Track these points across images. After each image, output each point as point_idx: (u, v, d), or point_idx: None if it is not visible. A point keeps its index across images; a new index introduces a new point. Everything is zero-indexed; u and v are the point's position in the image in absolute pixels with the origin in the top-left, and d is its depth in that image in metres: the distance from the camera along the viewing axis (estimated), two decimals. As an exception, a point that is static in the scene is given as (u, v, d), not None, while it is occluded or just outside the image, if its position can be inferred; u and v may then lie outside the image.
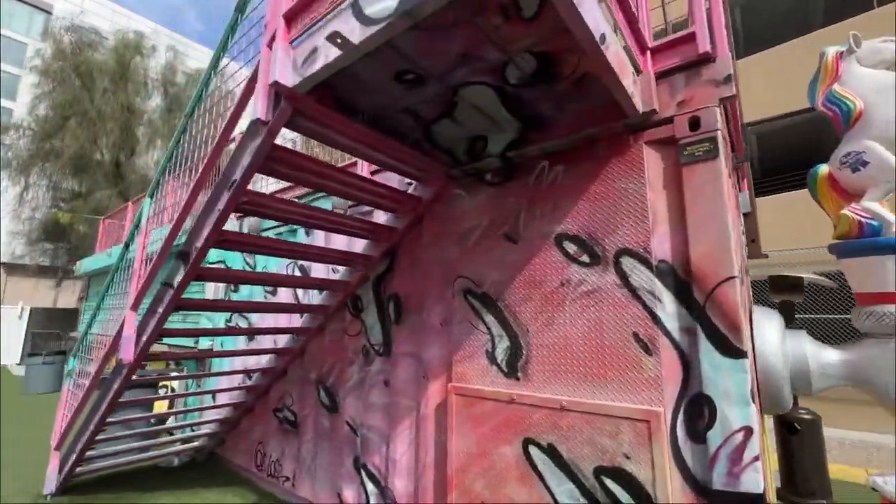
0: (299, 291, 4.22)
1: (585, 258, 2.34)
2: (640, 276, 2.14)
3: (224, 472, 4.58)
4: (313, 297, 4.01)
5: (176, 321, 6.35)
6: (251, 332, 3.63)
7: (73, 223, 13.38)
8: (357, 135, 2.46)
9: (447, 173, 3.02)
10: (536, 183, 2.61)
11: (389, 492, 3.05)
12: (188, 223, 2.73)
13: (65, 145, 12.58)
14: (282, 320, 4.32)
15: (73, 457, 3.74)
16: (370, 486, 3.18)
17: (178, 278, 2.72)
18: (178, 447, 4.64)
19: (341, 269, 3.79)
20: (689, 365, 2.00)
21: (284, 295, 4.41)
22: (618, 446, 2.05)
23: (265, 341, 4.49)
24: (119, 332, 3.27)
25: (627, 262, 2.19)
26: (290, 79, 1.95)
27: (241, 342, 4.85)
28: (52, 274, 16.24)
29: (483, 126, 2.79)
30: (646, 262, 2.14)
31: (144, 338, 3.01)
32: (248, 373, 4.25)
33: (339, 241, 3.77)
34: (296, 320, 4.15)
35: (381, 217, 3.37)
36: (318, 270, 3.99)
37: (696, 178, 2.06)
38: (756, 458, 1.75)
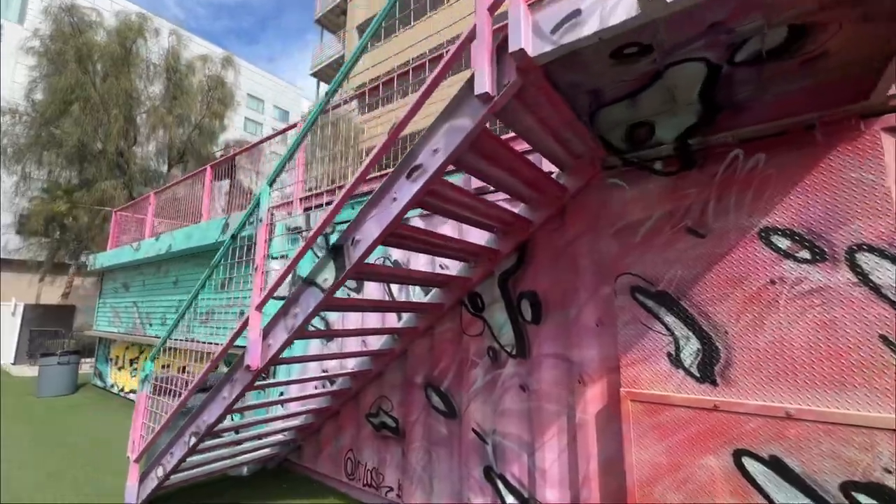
0: (394, 288, 3.95)
1: (804, 254, 2.15)
2: (886, 274, 1.97)
3: (305, 481, 4.30)
4: (413, 295, 3.75)
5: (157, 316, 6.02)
6: (371, 333, 3.36)
7: (73, 215, 12.63)
8: (554, 117, 2.22)
9: (601, 161, 2.80)
10: (727, 172, 2.41)
11: (536, 502, 2.84)
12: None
13: (65, 133, 11.80)
14: (370, 320, 4.05)
15: (160, 469, 3.42)
16: (510, 498, 2.97)
17: (329, 275, 2.44)
18: (254, 455, 4.34)
19: (450, 263, 3.54)
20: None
21: (374, 291, 4.13)
22: (874, 460, 1.88)
23: (349, 343, 4.21)
24: (235, 335, 2.97)
25: (867, 259, 2.01)
26: (535, 47, 1.70)
27: (312, 346, 4.55)
28: (51, 269, 15.39)
29: (656, 110, 2.57)
30: (893, 259, 1.96)
31: (272, 341, 2.71)
32: (331, 377, 3.97)
33: (449, 232, 3.52)
34: (390, 320, 3.89)
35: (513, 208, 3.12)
36: (419, 264, 3.72)
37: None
38: None
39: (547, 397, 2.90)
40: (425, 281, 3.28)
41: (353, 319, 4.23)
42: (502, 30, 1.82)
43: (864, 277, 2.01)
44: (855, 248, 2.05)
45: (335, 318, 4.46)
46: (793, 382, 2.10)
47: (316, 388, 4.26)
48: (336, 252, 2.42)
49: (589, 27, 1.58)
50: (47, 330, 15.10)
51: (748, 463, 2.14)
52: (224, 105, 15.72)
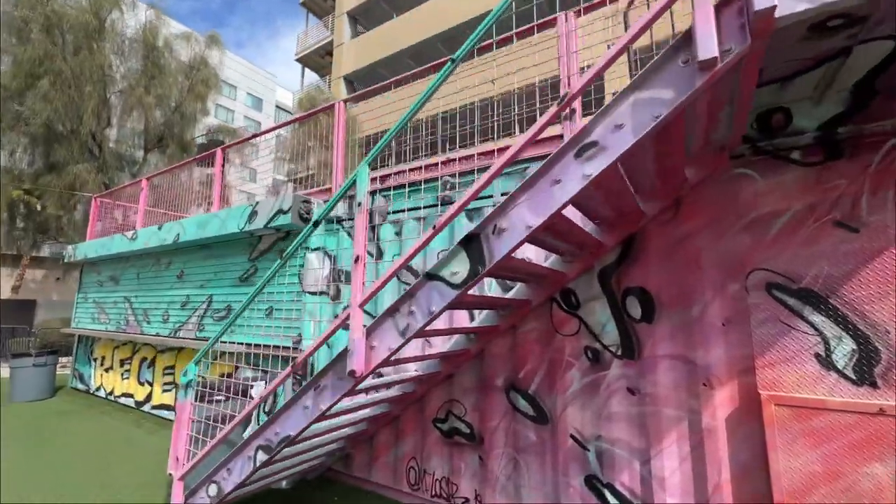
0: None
1: (982, 250, 2.05)
2: None
3: (357, 493, 3.96)
4: (490, 290, 3.48)
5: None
6: (459, 331, 3.06)
7: (41, 202, 11.42)
8: (723, 96, 2.00)
9: (730, 149, 2.63)
10: (884, 163, 2.28)
11: (652, 514, 2.66)
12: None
13: (32, 110, 10.57)
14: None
15: (213, 487, 3.00)
16: (620, 509, 2.77)
17: (461, 269, 2.13)
18: (299, 467, 3.95)
19: (533, 256, 3.29)
20: None
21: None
22: None
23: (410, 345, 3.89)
24: (329, 334, 2.61)
25: None
26: (786, 5, 1.47)
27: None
28: (8, 262, 13.97)
29: (801, 95, 2.42)
30: None
31: (376, 343, 2.38)
32: (401, 382, 3.65)
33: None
34: (459, 318, 3.60)
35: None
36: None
37: None
38: None
39: (664, 401, 2.71)
40: (530, 275, 3.02)
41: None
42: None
43: None
44: None
45: (388, 316, 4.12)
46: (974, 385, 1.99)
47: (367, 392, 3.92)
48: (470, 242, 2.12)
49: (869, -18, 1.37)
50: (4, 327, 13.77)
51: (924, 470, 2.02)
52: (207, 87, 14.71)
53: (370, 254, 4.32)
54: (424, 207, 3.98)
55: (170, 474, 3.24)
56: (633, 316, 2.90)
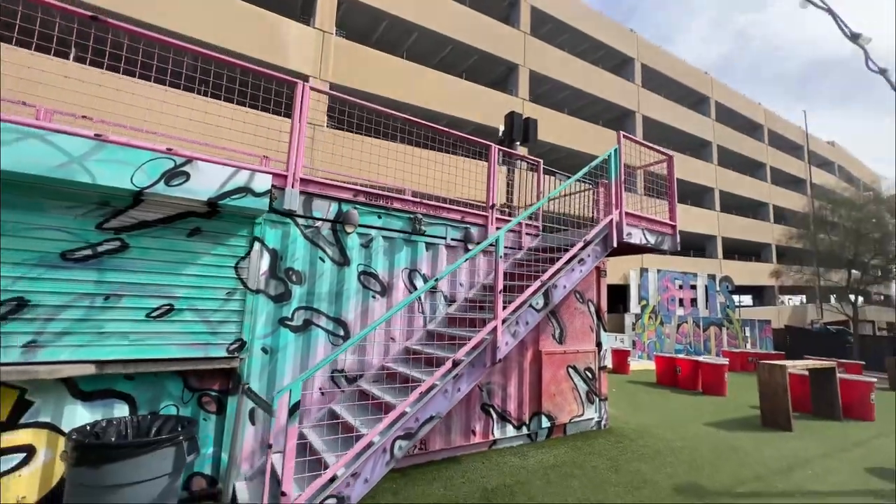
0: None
1: None
2: None
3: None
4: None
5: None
6: None
7: None
8: None
9: (543, 251, 6.26)
10: (571, 268, 6.63)
11: None
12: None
13: None
14: (397, 321, 4.89)
15: (333, 500, 2.96)
16: None
17: (539, 302, 4.32)
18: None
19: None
20: None
21: (400, 295, 4.93)
22: None
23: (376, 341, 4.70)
24: (487, 330, 3.74)
25: None
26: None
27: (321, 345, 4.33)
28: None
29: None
30: None
31: (501, 343, 3.95)
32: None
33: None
34: (418, 321, 5.04)
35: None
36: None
37: None
38: None
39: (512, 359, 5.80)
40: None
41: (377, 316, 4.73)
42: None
43: None
44: None
45: (351, 320, 4.59)
46: None
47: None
48: (546, 290, 4.38)
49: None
50: None
51: None
52: None
53: (334, 261, 4.54)
54: (396, 231, 4.94)
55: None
56: (505, 320, 5.82)
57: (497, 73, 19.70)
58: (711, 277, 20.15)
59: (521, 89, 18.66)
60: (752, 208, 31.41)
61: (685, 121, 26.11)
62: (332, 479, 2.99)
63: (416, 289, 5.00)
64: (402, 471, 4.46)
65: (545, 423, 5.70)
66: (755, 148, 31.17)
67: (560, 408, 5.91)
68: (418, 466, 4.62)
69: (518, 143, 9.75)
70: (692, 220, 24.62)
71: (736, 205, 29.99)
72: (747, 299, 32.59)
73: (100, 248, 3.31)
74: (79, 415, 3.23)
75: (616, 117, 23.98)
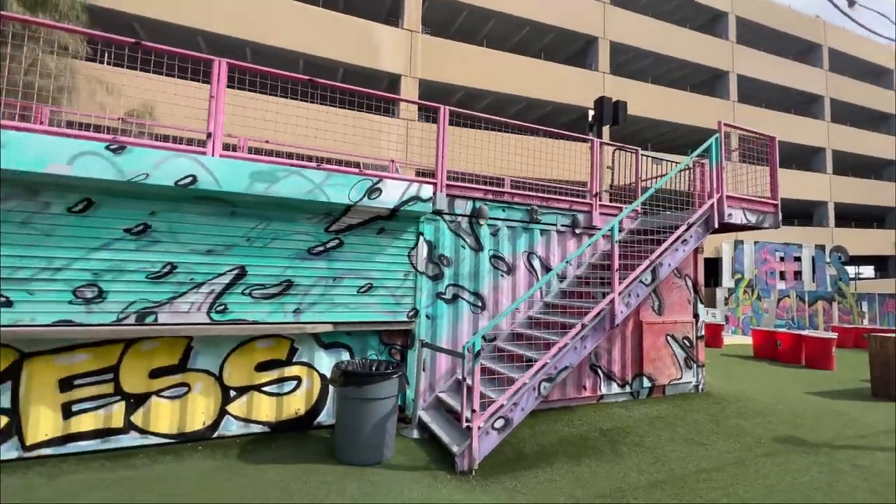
0: (539, 273, 6.10)
1: None
2: None
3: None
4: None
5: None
6: None
7: None
8: None
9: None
10: (668, 247, 7.21)
11: None
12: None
13: None
14: (521, 290, 5.97)
15: (500, 421, 4.18)
16: None
17: (648, 278, 5.14)
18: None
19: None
20: None
21: (522, 275, 6.00)
22: None
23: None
24: (603, 305, 4.73)
25: None
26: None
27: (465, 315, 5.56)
28: None
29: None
30: None
31: (618, 311, 4.88)
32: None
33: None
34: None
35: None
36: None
37: None
38: None
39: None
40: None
41: (505, 291, 5.87)
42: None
43: None
44: None
45: (486, 294, 5.77)
46: None
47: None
48: (653, 268, 5.18)
49: None
50: None
51: None
52: None
53: (471, 248, 5.71)
54: (517, 221, 5.98)
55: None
56: (609, 294, 6.67)
57: (573, 49, 19.52)
58: (820, 248, 18.61)
59: (601, 63, 18.39)
60: (874, 168, 27.60)
61: (789, 75, 23.55)
62: (500, 407, 4.21)
63: (533, 268, 6.05)
64: (531, 414, 5.64)
65: (646, 383, 6.52)
66: (879, 97, 27.07)
67: (660, 371, 6.67)
68: (542, 411, 5.76)
69: (608, 126, 10.23)
70: (798, 185, 22.54)
71: (853, 165, 26.59)
72: (868, 271, 29.09)
73: (328, 245, 4.80)
74: (323, 358, 4.80)
75: (705, 80, 22.44)
